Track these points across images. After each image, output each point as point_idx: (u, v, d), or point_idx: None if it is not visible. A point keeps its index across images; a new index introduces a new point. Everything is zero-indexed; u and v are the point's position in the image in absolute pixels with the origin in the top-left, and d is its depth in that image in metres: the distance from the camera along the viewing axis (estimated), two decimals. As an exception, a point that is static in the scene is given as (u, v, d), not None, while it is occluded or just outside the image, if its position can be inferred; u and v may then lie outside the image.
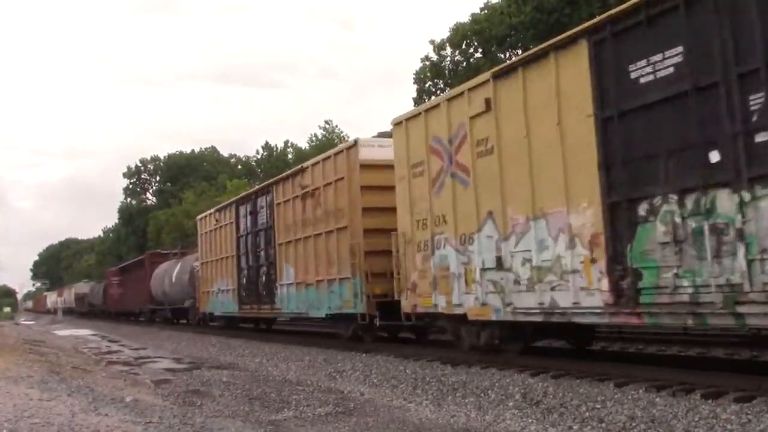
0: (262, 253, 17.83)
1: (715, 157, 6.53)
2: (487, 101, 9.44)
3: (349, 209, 13.35)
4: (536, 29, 28.42)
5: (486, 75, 9.72)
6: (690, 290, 6.76)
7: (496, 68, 9.75)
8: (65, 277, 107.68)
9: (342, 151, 13.86)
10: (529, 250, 8.75)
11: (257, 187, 20.31)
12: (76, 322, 50.18)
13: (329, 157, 14.36)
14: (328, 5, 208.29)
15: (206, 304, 23.16)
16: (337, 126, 58.53)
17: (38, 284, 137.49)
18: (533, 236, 8.70)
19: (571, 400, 7.27)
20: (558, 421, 6.86)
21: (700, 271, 6.65)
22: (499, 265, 9.26)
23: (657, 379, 7.55)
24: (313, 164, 15.13)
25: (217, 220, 21.49)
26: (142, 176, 75.14)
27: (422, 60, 37.30)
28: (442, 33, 60.42)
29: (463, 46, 35.01)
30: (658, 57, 7.09)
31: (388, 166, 12.19)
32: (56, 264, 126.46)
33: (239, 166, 69.92)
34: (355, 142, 13.44)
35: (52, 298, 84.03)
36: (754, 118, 6.23)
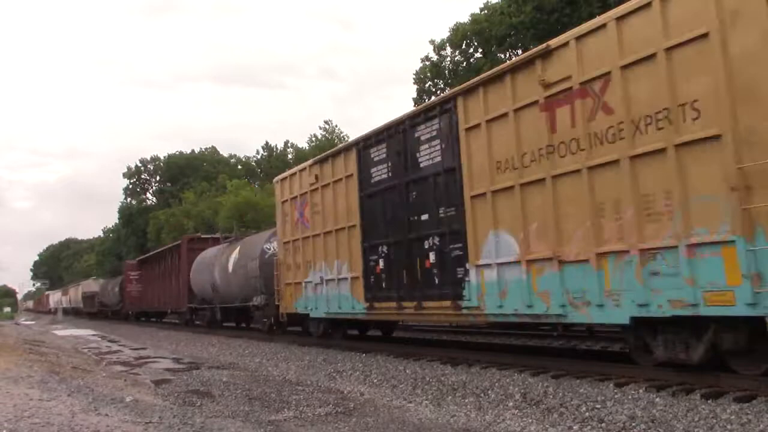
0: (427, 217, 11.16)
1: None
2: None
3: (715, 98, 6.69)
4: (536, 29, 28.43)
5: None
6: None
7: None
8: (65, 276, 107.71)
9: None
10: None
11: (412, 110, 12.10)
12: (76, 322, 50.15)
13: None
14: (328, 5, 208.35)
15: (294, 302, 15.80)
16: (337, 126, 58.66)
17: (38, 284, 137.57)
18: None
19: (571, 400, 7.27)
20: (558, 421, 6.86)
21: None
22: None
23: (657, 379, 7.55)
24: (583, 35, 8.19)
25: (317, 177, 14.72)
26: (142, 176, 75.11)
27: (422, 60, 37.31)
28: (442, 33, 60.46)
29: (463, 47, 35.00)
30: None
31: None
32: (56, 264, 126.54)
33: (239, 166, 69.90)
34: None
35: (55, 298, 78.96)
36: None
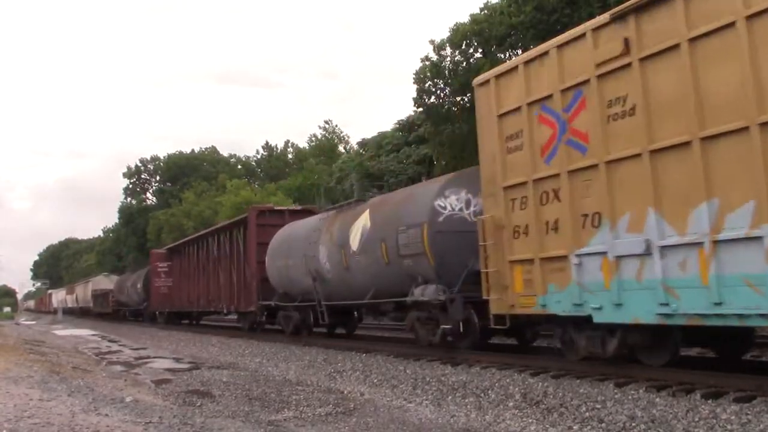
0: None
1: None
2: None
3: None
4: (536, 29, 28.39)
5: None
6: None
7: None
8: (65, 276, 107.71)
9: None
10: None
11: None
12: (75, 322, 50.14)
13: None
14: (328, 6, 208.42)
15: (538, 293, 8.85)
16: (336, 126, 58.67)
17: (38, 284, 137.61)
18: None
19: (571, 400, 7.27)
20: (558, 421, 6.86)
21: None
22: None
23: (657, 379, 7.56)
24: None
25: (627, 43, 7.62)
26: (142, 176, 75.13)
27: (422, 60, 37.19)
28: (442, 33, 60.45)
29: (463, 47, 34.96)
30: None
31: None
32: (56, 264, 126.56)
33: (239, 166, 69.98)
34: None
35: (58, 297, 72.82)
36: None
